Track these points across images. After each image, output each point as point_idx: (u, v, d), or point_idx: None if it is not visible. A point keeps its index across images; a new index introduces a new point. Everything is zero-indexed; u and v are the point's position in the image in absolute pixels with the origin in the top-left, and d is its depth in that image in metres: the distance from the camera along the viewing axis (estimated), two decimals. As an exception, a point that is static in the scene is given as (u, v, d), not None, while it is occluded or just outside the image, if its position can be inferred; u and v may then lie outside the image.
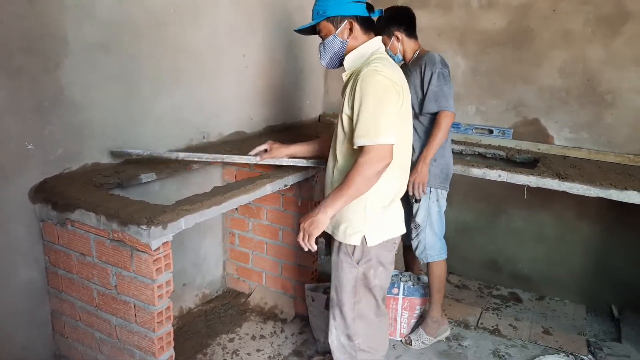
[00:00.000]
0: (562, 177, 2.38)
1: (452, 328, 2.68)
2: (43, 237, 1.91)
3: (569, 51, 2.81)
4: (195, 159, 2.15)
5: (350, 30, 1.71)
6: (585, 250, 3.01)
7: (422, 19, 3.16)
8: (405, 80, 1.75)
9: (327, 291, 2.57)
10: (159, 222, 1.56)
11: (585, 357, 2.49)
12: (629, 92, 2.70)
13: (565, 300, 3.10)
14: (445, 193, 2.43)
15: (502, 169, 2.51)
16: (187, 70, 2.43)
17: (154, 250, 1.57)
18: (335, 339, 1.87)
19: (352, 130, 1.63)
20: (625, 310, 2.92)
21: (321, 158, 2.13)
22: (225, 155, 2.18)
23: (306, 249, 1.68)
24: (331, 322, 1.87)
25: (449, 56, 2.93)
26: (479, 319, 2.83)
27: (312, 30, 1.81)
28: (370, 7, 1.76)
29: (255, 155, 2.15)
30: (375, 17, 1.79)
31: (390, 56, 1.87)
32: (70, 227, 1.77)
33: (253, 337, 2.55)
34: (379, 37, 1.79)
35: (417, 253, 2.47)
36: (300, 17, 3.19)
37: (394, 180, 1.75)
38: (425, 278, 2.55)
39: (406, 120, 1.74)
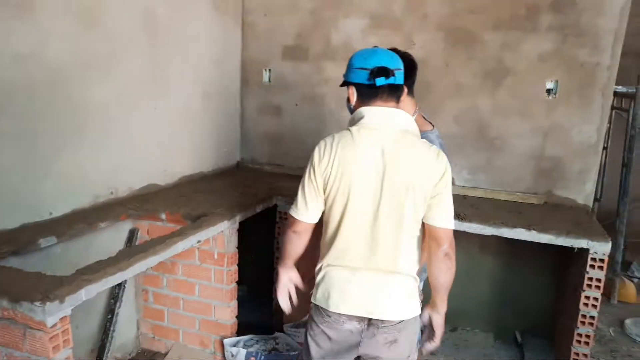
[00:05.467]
0: (461, 217, 2.58)
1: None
2: None
3: (462, 101, 3.10)
4: None
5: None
6: (490, 282, 3.24)
7: (328, 71, 3.35)
8: (352, 155, 1.58)
9: (247, 345, 2.53)
10: (55, 297, 1.46)
11: (493, 386, 2.65)
12: (514, 138, 3.02)
13: (475, 330, 3.30)
14: None
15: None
16: (94, 124, 2.36)
17: (50, 327, 1.47)
18: None
19: None
20: (527, 335, 3.17)
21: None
22: None
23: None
24: None
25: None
26: (398, 357, 2.91)
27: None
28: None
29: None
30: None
31: None
32: (-47, 305, 1.61)
33: (170, 401, 2.42)
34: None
35: None
36: (223, 67, 3.24)
37: (323, 248, 1.71)
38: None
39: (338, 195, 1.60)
